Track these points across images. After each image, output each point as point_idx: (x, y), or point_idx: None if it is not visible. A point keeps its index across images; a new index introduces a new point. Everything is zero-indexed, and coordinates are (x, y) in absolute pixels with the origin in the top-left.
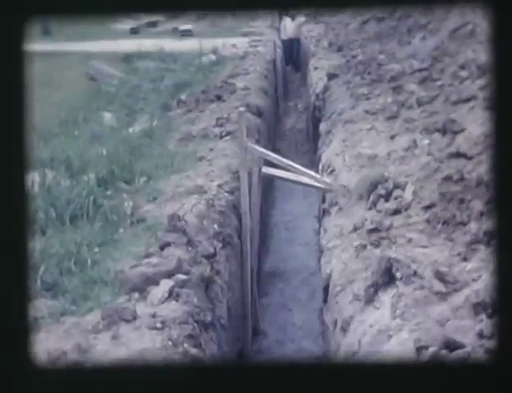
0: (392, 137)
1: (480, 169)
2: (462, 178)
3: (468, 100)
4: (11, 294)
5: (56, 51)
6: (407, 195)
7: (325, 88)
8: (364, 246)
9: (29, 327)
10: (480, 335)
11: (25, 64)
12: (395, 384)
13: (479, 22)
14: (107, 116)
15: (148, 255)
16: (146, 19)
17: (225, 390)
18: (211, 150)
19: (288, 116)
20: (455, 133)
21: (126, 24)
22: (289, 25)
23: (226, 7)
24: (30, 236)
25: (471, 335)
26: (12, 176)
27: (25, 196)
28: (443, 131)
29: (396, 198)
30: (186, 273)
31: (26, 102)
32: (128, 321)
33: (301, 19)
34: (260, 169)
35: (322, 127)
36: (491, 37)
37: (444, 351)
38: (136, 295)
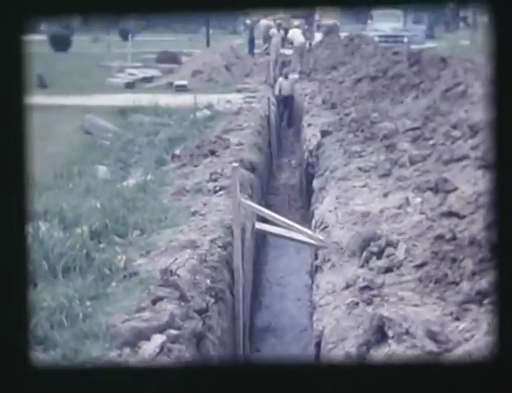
0: (384, 195)
1: (472, 228)
2: (454, 238)
3: (460, 159)
4: (11, 294)
5: (52, 105)
6: (400, 253)
7: (319, 145)
8: (356, 304)
9: (29, 328)
10: None
11: (25, 64)
12: (395, 384)
13: (471, 82)
14: (102, 169)
15: (140, 310)
16: (142, 74)
17: (225, 390)
18: (204, 204)
19: (281, 172)
20: (448, 192)
21: (122, 78)
22: (284, 82)
23: (226, 7)
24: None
25: None
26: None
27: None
28: (436, 190)
29: (388, 256)
30: (178, 329)
31: (25, 101)
32: None
33: (295, 76)
34: (253, 224)
35: (315, 183)
36: (492, 37)
37: None
38: (127, 350)
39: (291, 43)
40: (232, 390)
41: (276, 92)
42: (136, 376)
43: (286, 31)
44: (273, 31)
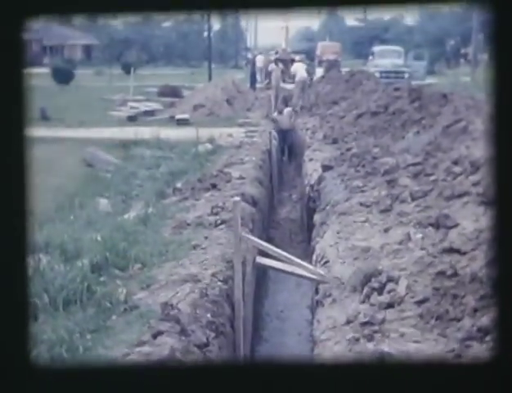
0: (386, 231)
1: (474, 264)
2: (456, 274)
3: (461, 195)
4: (11, 294)
5: (54, 137)
6: (401, 289)
7: (320, 180)
8: (357, 340)
9: (29, 328)
10: None
11: (25, 64)
12: (395, 384)
13: (472, 119)
14: (103, 202)
15: (140, 344)
16: (144, 107)
17: (225, 390)
18: (205, 238)
19: (282, 206)
20: (449, 228)
21: (124, 111)
22: (279, 117)
23: (226, 6)
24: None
25: None
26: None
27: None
28: (437, 226)
29: (389, 292)
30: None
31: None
32: None
33: (289, 110)
34: (254, 258)
35: (316, 218)
36: (492, 37)
37: None
38: None
39: (293, 77)
40: (232, 390)
41: (278, 126)
42: (136, 376)
43: (286, 65)
44: (272, 66)
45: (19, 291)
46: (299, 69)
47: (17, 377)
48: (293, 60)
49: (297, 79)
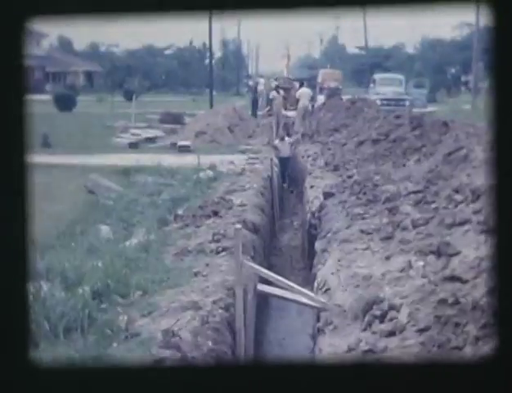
0: (387, 258)
1: (475, 293)
2: (457, 302)
3: (462, 223)
4: (10, 294)
5: (56, 164)
6: (402, 317)
7: (321, 207)
8: None
9: (29, 328)
10: None
11: (25, 64)
12: (395, 384)
13: (473, 147)
14: (104, 229)
15: None
16: (146, 134)
17: (225, 390)
18: (207, 265)
19: (284, 233)
20: (450, 256)
21: (125, 138)
22: (280, 145)
23: (225, 6)
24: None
25: None
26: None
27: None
28: (438, 253)
29: (391, 320)
30: None
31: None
32: None
33: (290, 139)
34: (255, 286)
35: (318, 245)
36: (492, 37)
37: None
38: None
39: (296, 103)
40: (233, 391)
41: (279, 153)
42: (136, 376)
43: (288, 92)
44: (274, 94)
45: (19, 292)
46: (305, 95)
47: (17, 377)
48: (302, 84)
49: (299, 105)
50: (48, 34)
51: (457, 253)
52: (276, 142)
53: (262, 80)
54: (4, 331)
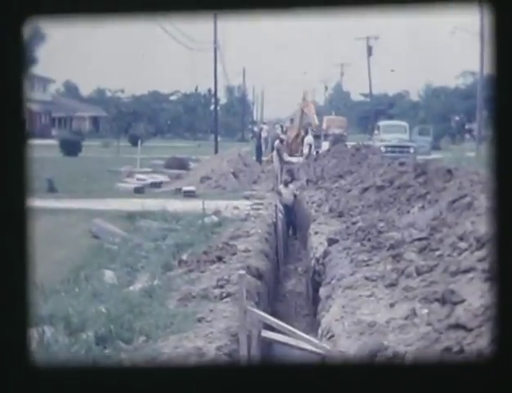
0: (391, 305)
1: (480, 341)
2: (462, 350)
3: (467, 271)
4: (11, 295)
5: (61, 209)
6: None
7: (325, 253)
8: None
9: (29, 328)
10: None
11: (25, 64)
12: (395, 384)
13: (477, 194)
14: (108, 274)
15: None
16: (151, 179)
17: (226, 390)
18: (211, 311)
19: (288, 279)
20: (455, 303)
21: (131, 183)
22: (283, 191)
23: (224, 6)
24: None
25: None
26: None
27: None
28: (443, 301)
29: None
30: None
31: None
32: None
33: (292, 186)
34: (259, 332)
35: (322, 291)
36: (492, 37)
37: None
38: None
39: (300, 150)
40: (233, 391)
41: (283, 199)
42: (136, 376)
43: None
44: (278, 144)
45: (19, 294)
46: (309, 142)
47: (17, 377)
48: (307, 131)
49: (304, 152)
50: (55, 80)
51: (462, 301)
52: (281, 187)
53: (265, 127)
54: (4, 332)
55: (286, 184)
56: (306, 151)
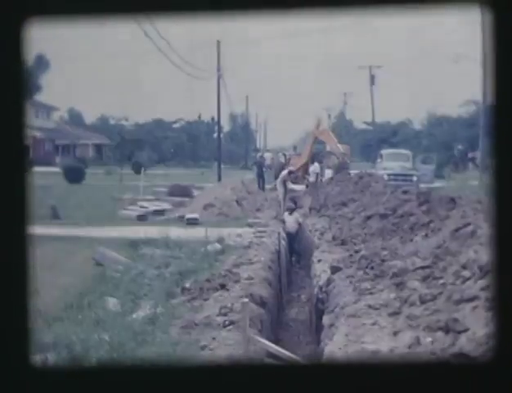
0: (395, 334)
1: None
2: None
3: (470, 300)
4: (11, 295)
5: (64, 236)
6: None
7: (329, 281)
8: None
9: (29, 328)
10: None
11: (25, 64)
12: (395, 384)
13: (480, 223)
14: (111, 301)
15: None
16: (154, 207)
17: (227, 390)
18: (214, 339)
19: (291, 307)
20: (459, 332)
21: (134, 210)
22: (288, 218)
23: (224, 7)
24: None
25: None
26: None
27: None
28: (446, 330)
29: None
30: None
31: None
32: None
33: (297, 215)
34: (262, 360)
35: (325, 319)
36: (492, 37)
37: None
38: None
39: (303, 178)
40: (234, 390)
41: (286, 227)
42: (136, 376)
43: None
44: (285, 174)
45: (20, 293)
46: (316, 169)
47: (18, 377)
48: (312, 161)
49: (311, 180)
50: (59, 108)
51: (465, 330)
52: (285, 214)
53: (269, 155)
54: (5, 332)
55: (291, 212)
56: (312, 179)
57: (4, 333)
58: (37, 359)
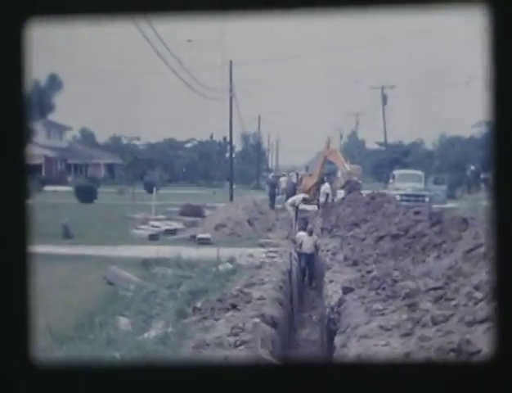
0: (406, 355)
1: None
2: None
3: (483, 321)
4: (11, 295)
5: (76, 255)
6: None
7: (340, 302)
8: None
9: (29, 328)
10: None
11: (25, 64)
12: (395, 384)
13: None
14: (123, 321)
15: None
16: (166, 226)
17: (229, 389)
18: (225, 359)
19: (302, 327)
20: (471, 354)
21: (145, 230)
22: (306, 239)
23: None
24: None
25: None
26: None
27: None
28: (459, 351)
29: None
30: None
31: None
32: None
33: (315, 237)
34: None
35: (337, 340)
36: (492, 36)
37: None
38: None
39: (315, 198)
40: (234, 390)
41: (298, 247)
42: (136, 376)
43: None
44: (300, 200)
45: (20, 292)
46: (326, 190)
47: (18, 377)
48: (323, 181)
49: (321, 200)
50: (71, 127)
51: (478, 351)
52: (303, 235)
53: (284, 179)
54: (5, 331)
55: (310, 233)
56: (323, 199)
57: (5, 333)
58: (38, 358)
